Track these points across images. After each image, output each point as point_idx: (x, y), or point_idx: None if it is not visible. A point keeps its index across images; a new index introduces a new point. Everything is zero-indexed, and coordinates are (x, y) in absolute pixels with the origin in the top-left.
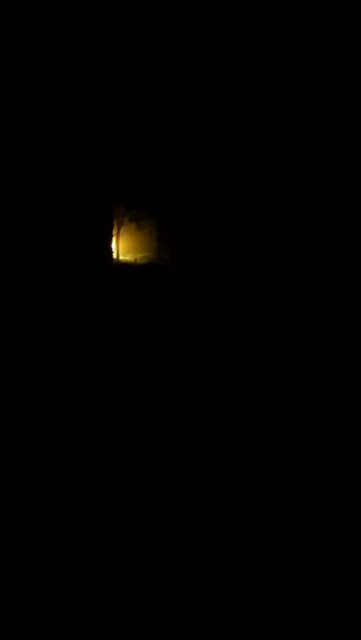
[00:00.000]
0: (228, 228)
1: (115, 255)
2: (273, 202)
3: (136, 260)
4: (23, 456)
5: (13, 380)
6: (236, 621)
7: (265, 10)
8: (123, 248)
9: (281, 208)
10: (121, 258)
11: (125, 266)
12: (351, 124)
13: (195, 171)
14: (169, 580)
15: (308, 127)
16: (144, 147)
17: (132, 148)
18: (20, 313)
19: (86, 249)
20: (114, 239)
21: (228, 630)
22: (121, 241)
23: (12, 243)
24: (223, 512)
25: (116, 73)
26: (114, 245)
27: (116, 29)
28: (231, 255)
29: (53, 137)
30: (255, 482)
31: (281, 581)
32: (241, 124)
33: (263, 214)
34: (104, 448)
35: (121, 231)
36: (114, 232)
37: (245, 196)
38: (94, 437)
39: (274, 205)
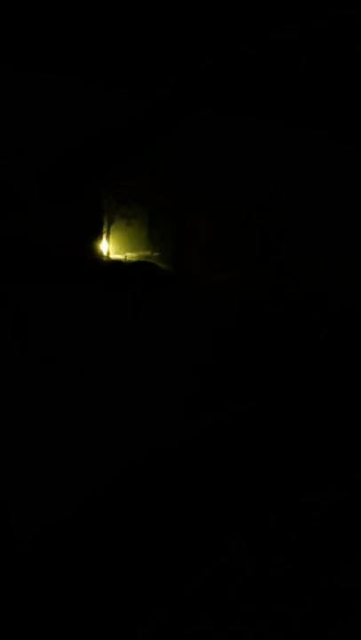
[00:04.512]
0: (228, 228)
1: (105, 253)
2: (273, 202)
3: (126, 257)
4: (23, 456)
5: (13, 379)
6: (236, 622)
7: (265, 10)
8: (113, 246)
9: (281, 208)
10: (112, 256)
11: (122, 265)
12: (351, 124)
13: (194, 170)
14: (169, 579)
15: (307, 127)
16: (144, 147)
17: (132, 147)
18: (19, 313)
19: (85, 248)
20: (104, 237)
21: (228, 630)
22: (111, 239)
23: (12, 243)
24: (223, 512)
25: (116, 73)
26: (105, 244)
27: (116, 30)
28: (231, 255)
29: (53, 137)
30: (255, 482)
31: (281, 582)
32: (241, 124)
33: (263, 214)
34: (104, 448)
35: (111, 229)
36: (104, 230)
37: (245, 195)
38: (94, 437)
39: (274, 205)
